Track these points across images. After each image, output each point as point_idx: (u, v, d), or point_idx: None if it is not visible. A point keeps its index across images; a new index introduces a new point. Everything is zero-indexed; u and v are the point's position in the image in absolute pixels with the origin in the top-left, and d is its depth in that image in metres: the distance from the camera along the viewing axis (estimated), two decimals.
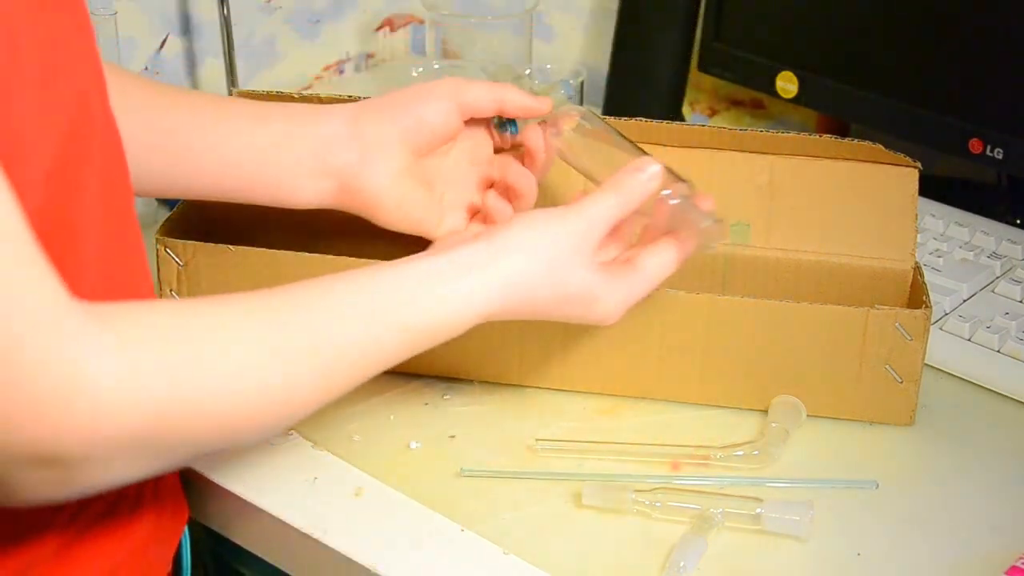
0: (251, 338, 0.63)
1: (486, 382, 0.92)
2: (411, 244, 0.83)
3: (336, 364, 0.67)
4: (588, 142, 0.85)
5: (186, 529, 0.82)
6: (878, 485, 0.83)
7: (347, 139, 0.83)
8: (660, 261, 0.78)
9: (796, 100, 1.21)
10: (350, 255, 0.86)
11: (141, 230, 0.73)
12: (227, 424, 0.63)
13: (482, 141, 0.89)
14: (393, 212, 0.85)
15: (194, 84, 1.33)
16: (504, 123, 0.87)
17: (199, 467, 0.84)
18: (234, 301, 0.65)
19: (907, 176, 0.91)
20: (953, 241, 1.08)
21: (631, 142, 0.84)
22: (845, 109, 1.20)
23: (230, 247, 0.88)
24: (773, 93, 1.22)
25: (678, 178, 0.80)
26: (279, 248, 0.89)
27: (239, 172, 0.83)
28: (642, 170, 0.77)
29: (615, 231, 0.78)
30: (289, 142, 0.83)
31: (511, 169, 0.87)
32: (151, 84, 0.85)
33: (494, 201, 0.88)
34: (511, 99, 0.85)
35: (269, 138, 0.83)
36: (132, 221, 0.72)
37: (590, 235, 0.76)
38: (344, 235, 0.93)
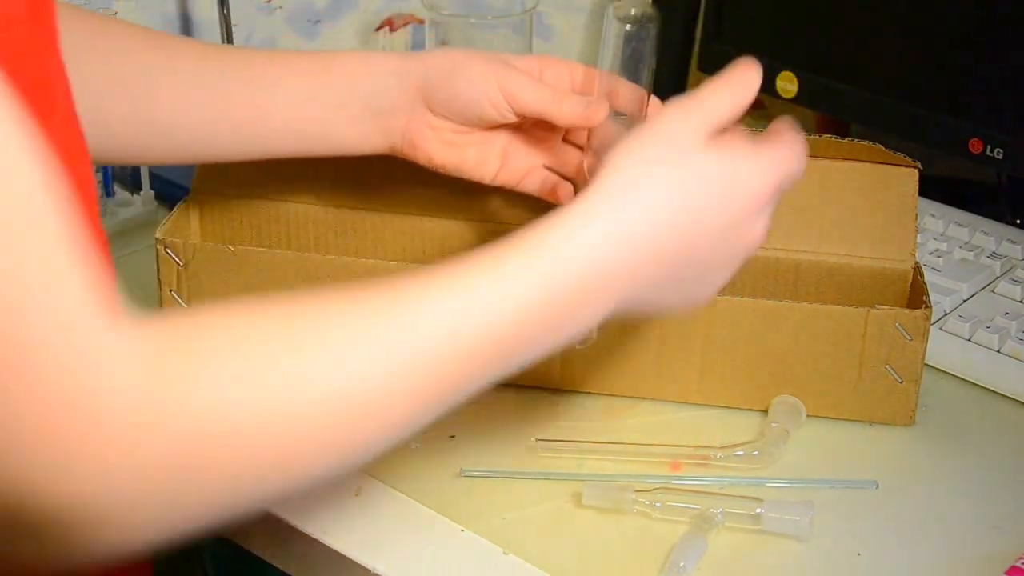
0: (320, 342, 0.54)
1: None
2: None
3: (425, 379, 0.59)
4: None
5: None
6: (878, 485, 0.83)
7: (397, 112, 0.82)
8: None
9: (796, 100, 1.21)
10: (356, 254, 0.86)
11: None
12: (283, 450, 0.52)
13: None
14: (450, 165, 0.83)
15: None
16: None
17: None
18: (308, 303, 0.55)
19: (907, 176, 0.91)
20: (953, 241, 1.08)
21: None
22: (845, 109, 1.20)
23: (230, 247, 0.88)
24: (773, 93, 1.21)
25: None
26: (279, 247, 0.89)
27: (297, 134, 0.83)
28: (750, 68, 0.65)
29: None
30: (349, 103, 0.82)
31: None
32: (198, 49, 0.83)
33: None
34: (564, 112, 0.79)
35: (330, 99, 0.82)
36: (98, 231, 0.65)
37: (705, 125, 0.64)
38: (347, 235, 0.93)
